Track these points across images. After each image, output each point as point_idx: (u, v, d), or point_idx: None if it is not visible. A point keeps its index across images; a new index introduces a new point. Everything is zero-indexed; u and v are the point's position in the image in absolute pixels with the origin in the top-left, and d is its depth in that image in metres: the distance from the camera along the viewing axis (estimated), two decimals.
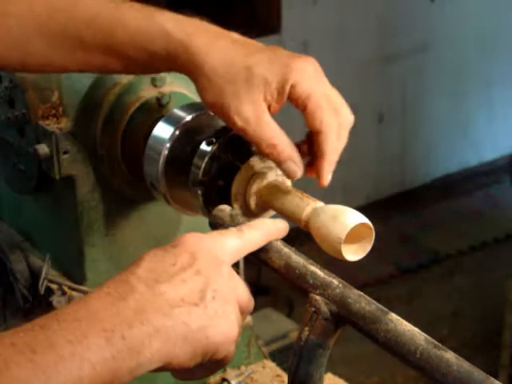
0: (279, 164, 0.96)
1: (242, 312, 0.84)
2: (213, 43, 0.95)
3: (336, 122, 0.96)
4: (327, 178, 0.97)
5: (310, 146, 0.98)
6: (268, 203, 0.99)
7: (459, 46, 4.63)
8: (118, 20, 0.97)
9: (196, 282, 0.80)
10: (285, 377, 1.32)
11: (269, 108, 0.94)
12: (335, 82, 1.00)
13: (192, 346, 0.78)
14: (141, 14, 0.98)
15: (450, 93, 4.71)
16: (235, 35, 0.98)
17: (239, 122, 0.94)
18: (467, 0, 4.58)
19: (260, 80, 0.93)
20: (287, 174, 0.97)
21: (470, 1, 4.59)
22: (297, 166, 0.96)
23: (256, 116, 0.94)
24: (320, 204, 0.94)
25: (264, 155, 0.96)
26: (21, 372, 0.68)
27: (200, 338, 0.78)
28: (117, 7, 0.99)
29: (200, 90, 0.96)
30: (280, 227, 0.91)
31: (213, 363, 0.82)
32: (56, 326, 0.72)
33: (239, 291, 0.83)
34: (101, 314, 0.74)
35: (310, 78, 0.94)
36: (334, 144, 0.95)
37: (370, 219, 0.89)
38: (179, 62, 0.96)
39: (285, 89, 0.93)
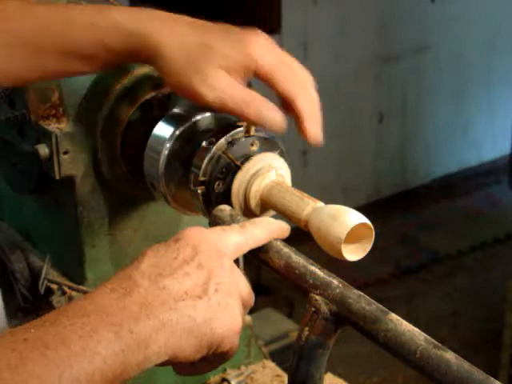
0: (261, 119, 0.95)
1: (244, 306, 0.85)
2: (168, 28, 0.96)
3: (301, 84, 0.97)
4: (313, 136, 0.97)
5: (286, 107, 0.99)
6: (268, 203, 0.99)
7: (459, 46, 4.64)
8: (69, 20, 0.98)
9: (199, 275, 0.81)
10: (285, 377, 1.32)
11: None
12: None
13: (197, 338, 0.79)
14: (90, 12, 0.98)
15: (450, 93, 4.72)
16: (187, 18, 0.99)
17: (210, 94, 0.93)
18: (467, 0, 4.58)
19: (221, 56, 0.94)
20: (273, 126, 0.96)
21: (470, 1, 4.59)
22: (278, 116, 0.95)
23: (226, 84, 0.94)
24: (320, 204, 0.94)
25: (241, 116, 0.95)
26: (36, 367, 0.69)
27: (205, 330, 0.79)
28: (67, 9, 1.00)
29: (163, 74, 0.97)
30: (283, 227, 0.92)
31: (217, 356, 0.83)
32: (66, 321, 0.73)
33: (241, 285, 0.84)
34: (108, 309, 0.75)
35: (267, 50, 0.96)
36: (309, 104, 0.97)
37: (369, 219, 0.89)
38: (136, 51, 0.96)
39: (250, 64, 0.95)
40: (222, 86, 0.94)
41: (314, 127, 0.97)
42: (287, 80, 0.96)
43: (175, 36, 0.95)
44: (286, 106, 0.98)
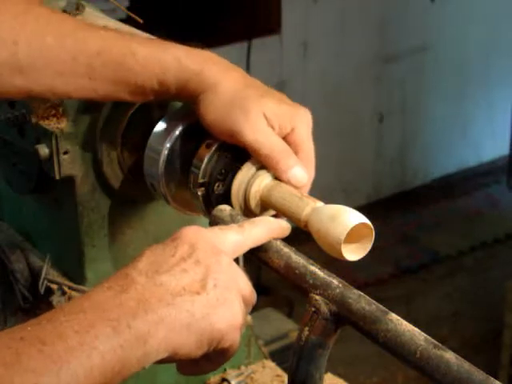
0: (289, 175, 0.98)
1: (245, 303, 0.85)
2: (225, 72, 1.00)
3: (311, 174, 1.02)
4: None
5: None
6: (268, 203, 0.99)
7: (459, 46, 4.63)
8: (130, 49, 1.00)
9: (196, 271, 0.81)
10: (285, 377, 1.32)
11: None
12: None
13: (197, 334, 0.79)
14: (151, 44, 1.01)
15: (450, 93, 4.71)
16: (237, 67, 1.03)
17: (251, 135, 0.97)
18: (467, 0, 4.58)
19: (267, 107, 0.98)
20: (298, 184, 0.98)
21: (470, 1, 4.59)
22: (304, 172, 0.99)
23: (269, 130, 0.98)
24: (320, 204, 0.94)
25: (272, 163, 0.98)
26: (32, 363, 0.70)
27: (204, 325, 0.79)
28: (128, 37, 1.02)
29: (205, 107, 0.99)
30: (283, 226, 0.92)
31: (218, 354, 0.83)
32: (62, 318, 0.74)
33: (241, 282, 0.84)
34: (105, 305, 0.76)
35: (306, 129, 1.01)
36: (306, 189, 1.01)
37: (369, 219, 0.89)
38: (189, 87, 0.99)
39: (287, 128, 0.99)
40: (264, 131, 0.97)
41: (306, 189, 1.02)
42: (305, 156, 1.01)
43: (230, 77, 0.99)
44: None
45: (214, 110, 0.98)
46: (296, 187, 0.98)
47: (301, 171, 0.98)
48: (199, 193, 1.01)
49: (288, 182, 0.98)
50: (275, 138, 0.98)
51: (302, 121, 1.00)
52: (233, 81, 0.99)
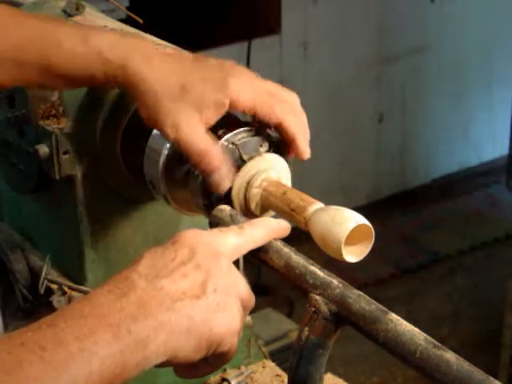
0: (206, 174, 0.98)
1: (244, 307, 0.85)
2: (148, 63, 0.98)
3: (287, 110, 0.99)
4: (306, 153, 1.01)
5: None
6: (268, 204, 0.99)
7: (459, 46, 4.63)
8: (54, 43, 1.00)
9: (196, 275, 0.81)
10: (285, 377, 1.32)
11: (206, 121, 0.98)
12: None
13: (196, 338, 0.79)
14: (76, 37, 1.00)
15: (450, 93, 4.71)
16: (169, 50, 1.01)
17: (172, 134, 0.97)
18: (467, 0, 4.58)
19: (196, 100, 0.96)
20: (211, 186, 0.98)
21: (470, 1, 4.59)
22: (221, 179, 0.98)
23: (190, 129, 0.96)
24: (320, 205, 0.94)
25: (195, 165, 0.98)
26: (33, 370, 0.70)
27: (204, 329, 0.79)
28: (53, 28, 1.02)
29: (138, 105, 1.00)
30: (283, 226, 0.92)
31: (217, 358, 0.83)
32: (63, 323, 0.74)
33: (240, 285, 0.84)
34: (105, 310, 0.76)
35: (245, 86, 0.98)
36: (296, 124, 0.99)
37: (369, 219, 0.89)
38: (118, 81, 0.99)
39: (224, 105, 0.97)
40: (185, 131, 0.96)
41: (306, 146, 1.00)
42: (273, 109, 0.98)
43: (155, 72, 0.98)
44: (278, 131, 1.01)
45: (143, 110, 0.99)
46: (215, 191, 0.98)
47: (217, 177, 0.98)
48: (199, 193, 1.01)
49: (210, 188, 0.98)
50: (197, 139, 0.97)
51: (237, 86, 0.97)
52: (158, 76, 0.97)
